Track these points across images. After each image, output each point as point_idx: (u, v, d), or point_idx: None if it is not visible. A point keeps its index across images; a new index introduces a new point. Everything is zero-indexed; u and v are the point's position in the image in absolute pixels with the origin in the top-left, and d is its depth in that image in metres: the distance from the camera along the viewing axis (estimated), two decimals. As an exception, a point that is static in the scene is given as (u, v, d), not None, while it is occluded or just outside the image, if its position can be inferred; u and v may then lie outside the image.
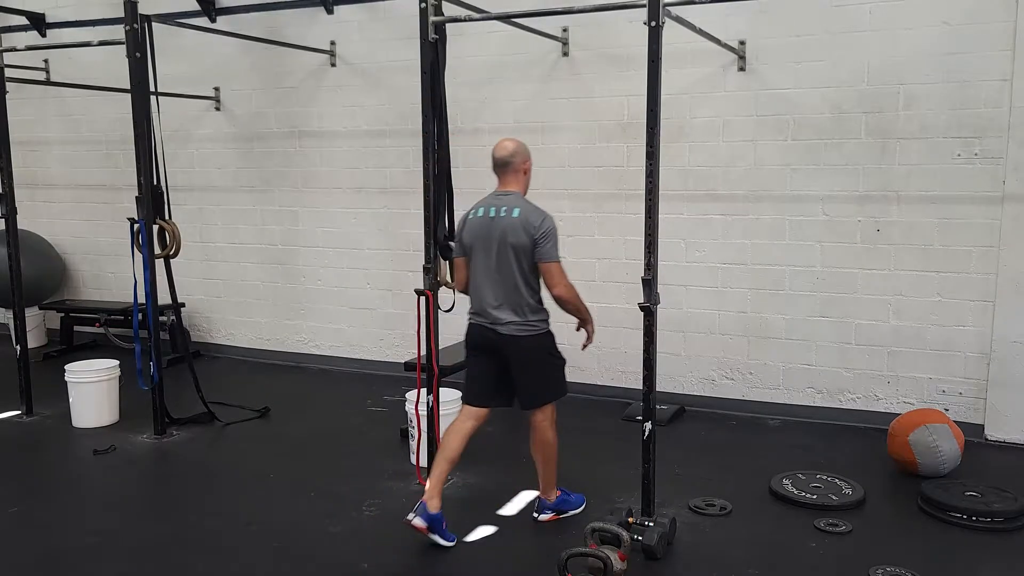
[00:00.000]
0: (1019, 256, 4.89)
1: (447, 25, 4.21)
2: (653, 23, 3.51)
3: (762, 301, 5.56)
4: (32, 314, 7.46)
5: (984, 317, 5.04)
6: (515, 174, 3.88)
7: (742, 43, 5.35)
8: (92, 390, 5.44)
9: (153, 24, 4.99)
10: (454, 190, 4.43)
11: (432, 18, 4.13)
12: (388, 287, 6.72)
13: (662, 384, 5.06)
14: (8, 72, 5.50)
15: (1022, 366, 4.94)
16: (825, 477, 4.42)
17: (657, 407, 3.88)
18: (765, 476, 4.44)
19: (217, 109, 7.12)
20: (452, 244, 4.24)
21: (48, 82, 7.50)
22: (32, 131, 7.83)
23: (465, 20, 4.36)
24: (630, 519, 3.65)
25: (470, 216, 3.92)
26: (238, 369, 7.09)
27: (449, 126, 4.35)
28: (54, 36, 7.53)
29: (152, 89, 5.11)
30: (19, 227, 5.71)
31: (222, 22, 6.82)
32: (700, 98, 5.53)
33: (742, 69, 5.39)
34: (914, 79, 5.01)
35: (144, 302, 5.10)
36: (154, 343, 5.14)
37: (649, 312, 3.64)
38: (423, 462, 4.46)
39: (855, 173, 5.23)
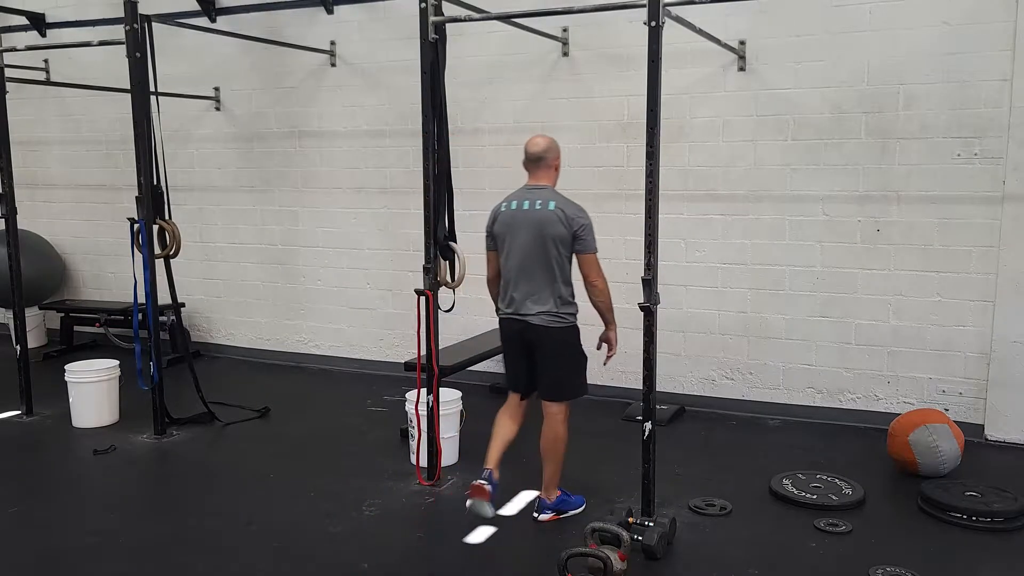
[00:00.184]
0: (1019, 256, 4.89)
1: (447, 25, 4.21)
2: (653, 23, 3.51)
3: (762, 301, 5.56)
4: (32, 314, 7.46)
5: (984, 317, 5.04)
6: (547, 169, 3.98)
7: (742, 43, 5.35)
8: (92, 390, 5.44)
9: (153, 24, 4.99)
10: (454, 190, 4.43)
11: (432, 18, 4.13)
12: (388, 287, 6.73)
13: (662, 384, 5.06)
14: (8, 72, 5.50)
15: (1022, 366, 4.94)
16: (825, 477, 4.43)
17: (657, 407, 3.88)
18: (765, 476, 4.44)
19: (217, 109, 7.13)
20: (449, 244, 4.28)
21: (48, 82, 7.50)
22: (32, 131, 7.84)
23: (465, 20, 4.37)
24: (630, 519, 3.65)
25: (502, 209, 3.98)
26: (238, 369, 7.09)
27: (449, 126, 4.35)
28: (54, 36, 7.53)
29: (152, 89, 5.11)
30: (19, 227, 5.71)
31: (222, 22, 6.83)
32: (700, 98, 5.53)
33: (742, 69, 5.39)
34: (914, 79, 5.02)
35: (144, 302, 5.10)
36: (154, 343, 5.14)
37: (649, 312, 3.64)
38: (423, 462, 4.46)
39: (855, 173, 5.23)
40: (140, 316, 5.20)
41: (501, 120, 6.12)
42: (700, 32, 4.52)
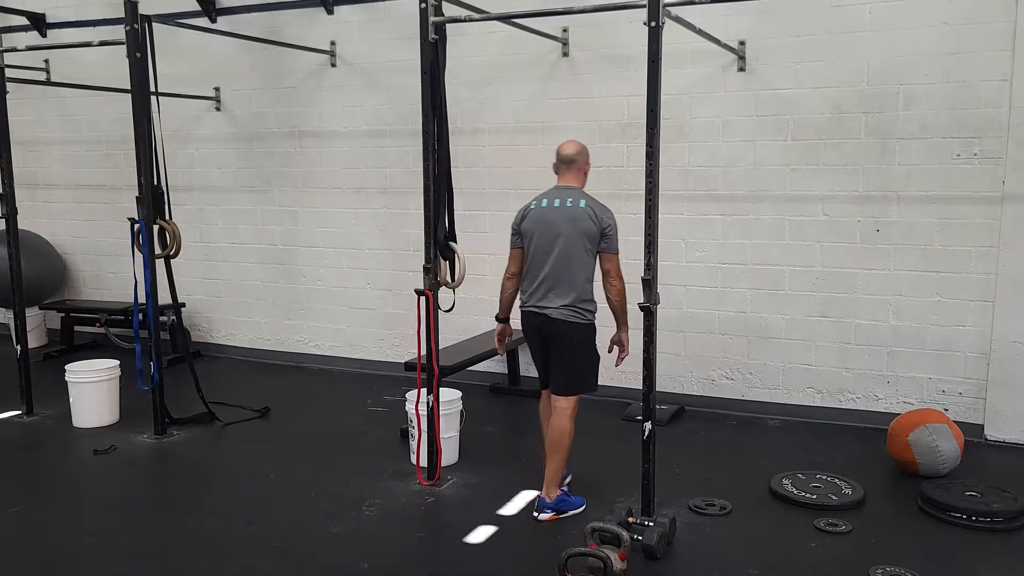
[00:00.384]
0: (1019, 256, 4.89)
1: (447, 25, 4.21)
2: (653, 23, 3.51)
3: (762, 301, 5.56)
4: (32, 314, 7.47)
5: (984, 317, 5.04)
6: (577, 172, 4.12)
7: (742, 43, 5.36)
8: (92, 390, 5.44)
9: (153, 24, 4.99)
10: (454, 190, 4.43)
11: (432, 18, 4.13)
12: (388, 287, 6.73)
13: (662, 384, 5.07)
14: (8, 72, 5.50)
15: (1022, 366, 4.95)
16: (825, 477, 4.43)
17: (657, 407, 3.88)
18: (765, 476, 4.44)
19: (217, 109, 7.13)
20: (449, 244, 4.31)
21: (48, 82, 7.50)
22: (32, 131, 7.84)
23: (465, 20, 4.36)
24: (630, 519, 3.66)
25: (531, 206, 4.13)
26: (238, 369, 7.09)
27: (449, 126, 4.35)
28: (54, 36, 7.53)
29: (152, 89, 5.11)
30: (19, 227, 5.70)
31: (222, 22, 6.83)
32: (700, 98, 5.53)
33: (742, 69, 5.40)
34: (914, 79, 5.02)
35: (144, 302, 5.10)
36: (154, 343, 5.14)
37: (649, 312, 3.64)
38: (423, 462, 4.46)
39: (855, 173, 5.23)
40: (140, 316, 5.20)
41: (501, 120, 6.13)
42: (700, 32, 4.52)
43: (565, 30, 5.79)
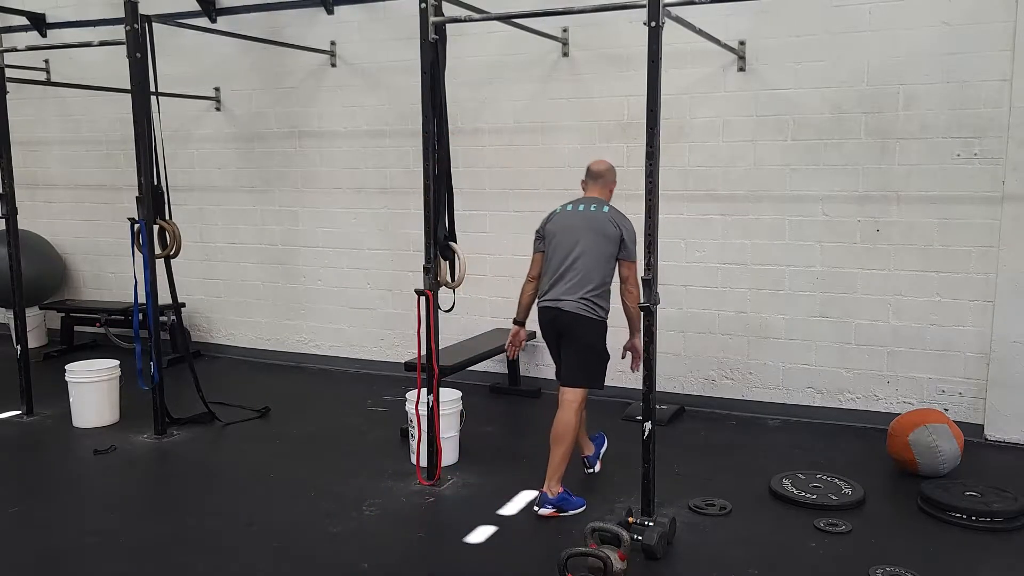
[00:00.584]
0: (1019, 256, 4.89)
1: (447, 25, 4.21)
2: (653, 23, 3.51)
3: (762, 301, 5.56)
4: (32, 314, 7.46)
5: (984, 317, 5.04)
6: (603, 188, 4.30)
7: (742, 43, 5.36)
8: (92, 390, 5.44)
9: (153, 24, 4.99)
10: (454, 190, 4.43)
11: (432, 18, 4.13)
12: (388, 287, 6.73)
13: (662, 384, 5.07)
14: (8, 72, 5.50)
15: (1022, 366, 4.95)
16: (825, 477, 4.43)
17: (657, 407, 3.88)
18: (765, 476, 4.44)
19: (217, 109, 7.13)
20: (449, 244, 4.32)
21: (48, 82, 7.51)
22: (32, 131, 7.84)
23: (465, 20, 4.36)
24: (630, 519, 3.66)
25: (557, 211, 4.30)
26: (238, 369, 7.09)
27: (449, 126, 4.34)
28: (54, 36, 7.53)
29: (152, 89, 5.11)
30: (19, 227, 5.70)
31: (222, 22, 6.83)
32: (700, 98, 5.53)
33: (742, 69, 5.40)
34: (914, 79, 5.02)
35: (144, 302, 5.10)
36: (154, 343, 5.14)
37: (649, 312, 3.64)
38: (423, 462, 4.46)
39: (855, 173, 5.23)
40: (140, 316, 5.20)
41: (501, 120, 6.13)
42: (700, 32, 4.52)
43: (565, 30, 5.79)
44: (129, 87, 4.99)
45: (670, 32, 3.68)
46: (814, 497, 4.17)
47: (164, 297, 5.43)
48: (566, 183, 5.94)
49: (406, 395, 4.79)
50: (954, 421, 4.65)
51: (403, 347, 6.62)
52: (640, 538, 3.55)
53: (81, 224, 7.92)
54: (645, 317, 3.66)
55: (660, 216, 3.64)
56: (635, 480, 3.81)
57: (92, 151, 7.72)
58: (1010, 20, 4.77)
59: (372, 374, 6.73)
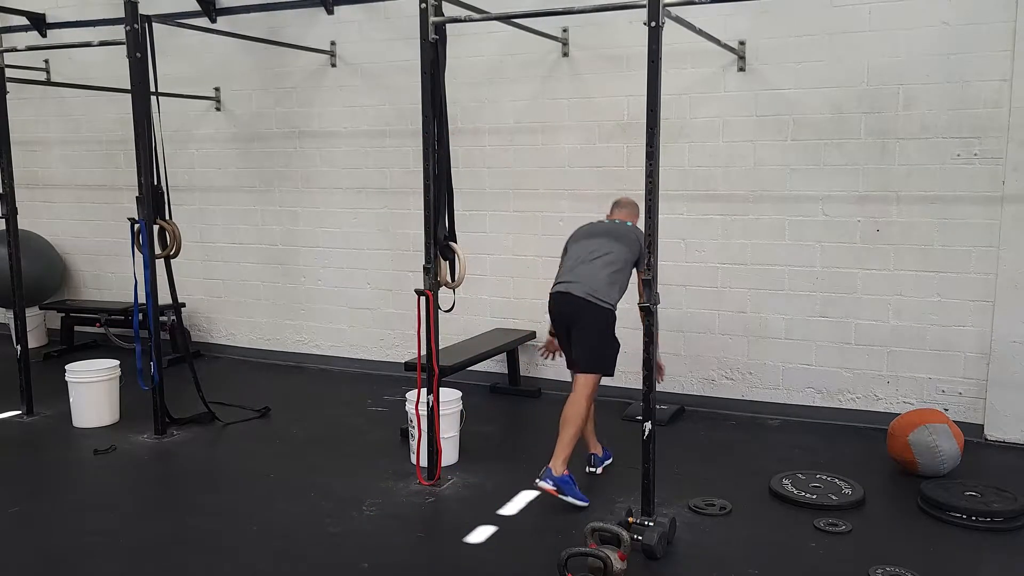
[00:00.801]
0: (1019, 256, 4.89)
1: (447, 25, 4.21)
2: (653, 23, 3.51)
3: (762, 301, 5.56)
4: (32, 314, 7.47)
5: (984, 317, 5.04)
6: (629, 214, 4.57)
7: (742, 43, 5.36)
8: (92, 390, 5.44)
9: (153, 24, 4.99)
10: (454, 190, 4.42)
11: (432, 18, 4.13)
12: (388, 287, 6.73)
13: (662, 384, 5.06)
14: (8, 72, 5.50)
15: (1022, 366, 4.95)
16: (825, 477, 4.43)
17: (657, 407, 3.88)
18: (765, 476, 4.44)
19: (217, 109, 7.13)
20: (449, 244, 4.34)
21: (48, 82, 7.51)
22: (32, 131, 7.84)
23: (465, 20, 4.36)
24: (630, 519, 3.65)
25: (584, 223, 4.58)
26: (238, 369, 7.09)
27: (449, 126, 4.34)
28: (54, 36, 7.53)
29: (152, 89, 5.11)
30: (20, 227, 5.70)
31: (222, 22, 6.83)
32: (700, 98, 5.53)
33: (742, 69, 5.40)
34: (914, 79, 5.02)
35: (144, 302, 5.10)
36: (154, 343, 5.13)
37: (649, 312, 3.64)
38: (423, 462, 4.46)
39: (855, 173, 5.23)
40: (140, 316, 5.20)
41: (501, 120, 6.13)
42: (700, 32, 4.52)
43: (565, 30, 5.79)
44: (129, 87, 4.99)
45: (670, 32, 3.68)
46: (814, 497, 4.17)
47: (164, 297, 5.43)
48: (566, 183, 5.97)
49: (406, 395, 4.79)
50: (954, 421, 4.65)
51: (403, 347, 6.62)
52: (640, 538, 3.55)
53: (81, 224, 7.92)
54: (645, 317, 3.66)
55: (660, 216, 3.64)
56: (635, 480, 3.81)
57: (92, 151, 7.72)
58: (1010, 20, 4.77)
59: (372, 374, 6.73)
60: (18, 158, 6.02)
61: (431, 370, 4.32)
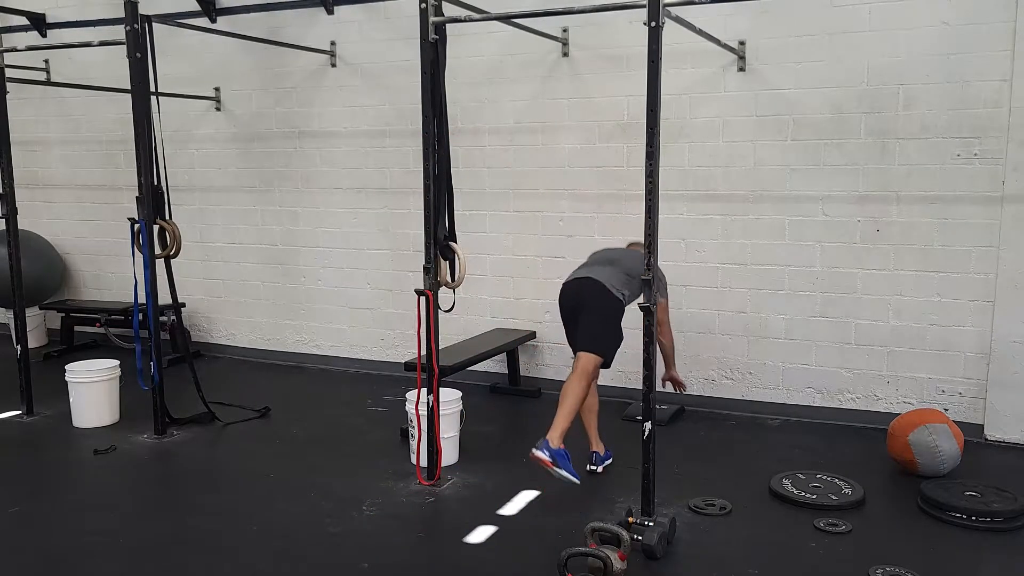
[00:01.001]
0: (1019, 256, 4.89)
1: (447, 25, 4.21)
2: (653, 23, 3.51)
3: (762, 301, 5.56)
4: (32, 314, 7.46)
5: (984, 317, 5.04)
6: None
7: (742, 43, 5.36)
8: (92, 390, 5.44)
9: (153, 24, 4.99)
10: (454, 190, 4.42)
11: (432, 18, 4.13)
12: (388, 287, 6.73)
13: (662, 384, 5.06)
14: (8, 72, 5.49)
15: (1022, 366, 4.95)
16: (825, 477, 4.43)
17: (657, 407, 3.88)
18: (765, 476, 4.44)
19: (217, 109, 7.13)
20: (449, 244, 4.34)
21: (48, 82, 7.50)
22: (32, 131, 7.84)
23: (465, 20, 4.36)
24: (630, 519, 3.65)
25: (601, 248, 4.88)
26: (238, 369, 7.09)
27: (449, 126, 4.34)
28: (54, 36, 7.53)
29: (152, 89, 5.11)
30: (20, 227, 5.70)
31: (222, 22, 6.83)
32: (700, 98, 5.53)
33: (742, 69, 5.40)
34: (914, 79, 5.02)
35: (144, 302, 5.10)
36: (154, 343, 5.13)
37: (649, 312, 3.64)
38: (423, 462, 4.46)
39: (855, 173, 5.23)
40: (140, 316, 5.20)
41: (501, 120, 6.13)
42: (700, 32, 4.52)
43: (565, 30, 5.79)
44: (129, 87, 4.99)
45: (670, 32, 3.68)
46: (814, 497, 4.17)
47: (164, 297, 5.43)
48: (566, 183, 5.97)
49: (406, 395, 4.79)
50: (954, 421, 4.65)
51: (403, 347, 6.62)
52: (640, 538, 3.55)
53: (81, 224, 7.92)
54: (645, 317, 3.66)
55: (660, 216, 3.64)
56: (635, 480, 3.81)
57: (92, 151, 7.72)
58: (1010, 20, 4.77)
59: (372, 374, 6.73)
60: (18, 158, 6.02)
61: (431, 370, 4.32)
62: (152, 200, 5.10)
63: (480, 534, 3.87)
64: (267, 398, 5.97)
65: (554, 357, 6.16)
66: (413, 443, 4.59)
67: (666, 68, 3.65)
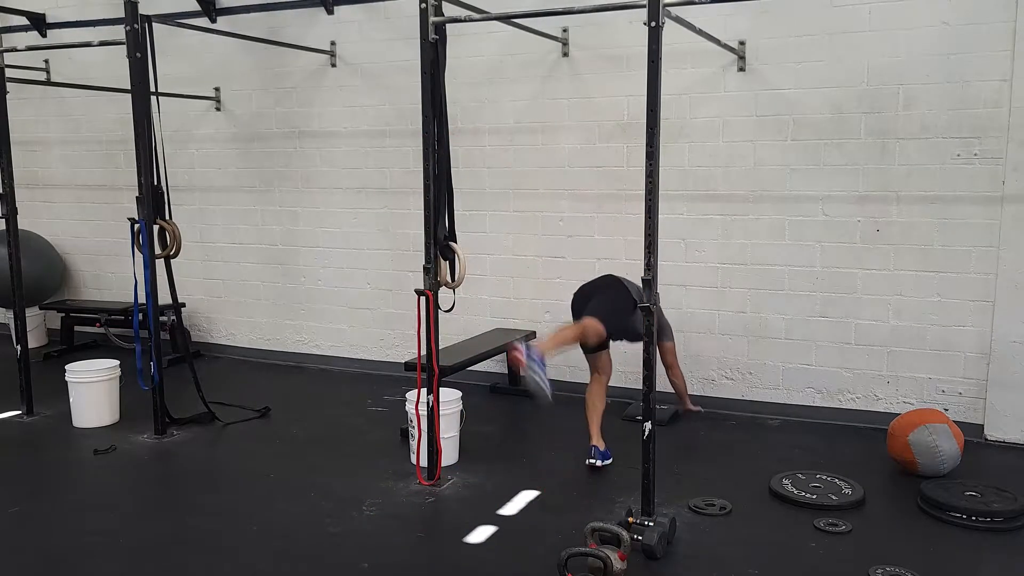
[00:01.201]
0: (1019, 256, 4.89)
1: (447, 25, 4.21)
2: (653, 23, 3.51)
3: (762, 301, 5.56)
4: (32, 314, 7.47)
5: (984, 317, 5.04)
6: None
7: (742, 43, 5.36)
8: (92, 390, 5.44)
9: (153, 24, 4.99)
10: (454, 190, 4.42)
11: (432, 18, 4.13)
12: (388, 287, 6.73)
13: (662, 384, 5.06)
14: (8, 72, 5.49)
15: (1022, 366, 4.95)
16: (825, 477, 4.43)
17: (657, 407, 3.88)
18: (765, 476, 4.44)
19: (217, 109, 7.13)
20: (449, 244, 4.35)
21: (48, 82, 7.50)
22: (32, 131, 7.84)
23: (465, 20, 4.36)
24: (630, 519, 3.65)
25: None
26: (238, 369, 7.09)
27: (449, 126, 4.34)
28: (54, 36, 7.53)
29: (152, 89, 5.11)
30: (20, 227, 5.70)
31: (222, 22, 6.83)
32: (700, 98, 5.53)
33: (742, 69, 5.40)
34: (914, 79, 5.02)
35: (144, 302, 5.10)
36: (154, 343, 5.13)
37: (649, 312, 3.64)
38: (423, 462, 4.46)
39: (855, 173, 5.23)
40: (140, 316, 5.20)
41: (501, 120, 6.13)
42: (700, 32, 4.52)
43: (565, 30, 5.79)
44: (129, 87, 4.99)
45: (670, 32, 3.68)
46: (814, 497, 4.17)
47: (164, 297, 5.43)
48: (566, 183, 5.97)
49: (406, 395, 4.79)
50: (954, 421, 4.64)
51: (403, 347, 6.62)
52: (640, 538, 3.55)
53: (81, 224, 7.92)
54: (645, 317, 3.66)
55: (660, 216, 3.64)
56: (635, 480, 3.81)
57: (92, 151, 7.72)
58: (1010, 20, 4.77)
59: (372, 374, 6.73)
60: (18, 158, 6.02)
61: (431, 370, 4.32)
62: (152, 200, 5.10)
63: (480, 534, 3.87)
64: (267, 398, 5.97)
65: (554, 357, 6.14)
66: (413, 443, 4.59)
67: (666, 68, 3.65)
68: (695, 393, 5.79)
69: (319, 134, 6.79)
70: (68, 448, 5.14)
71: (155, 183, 5.12)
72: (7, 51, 5.52)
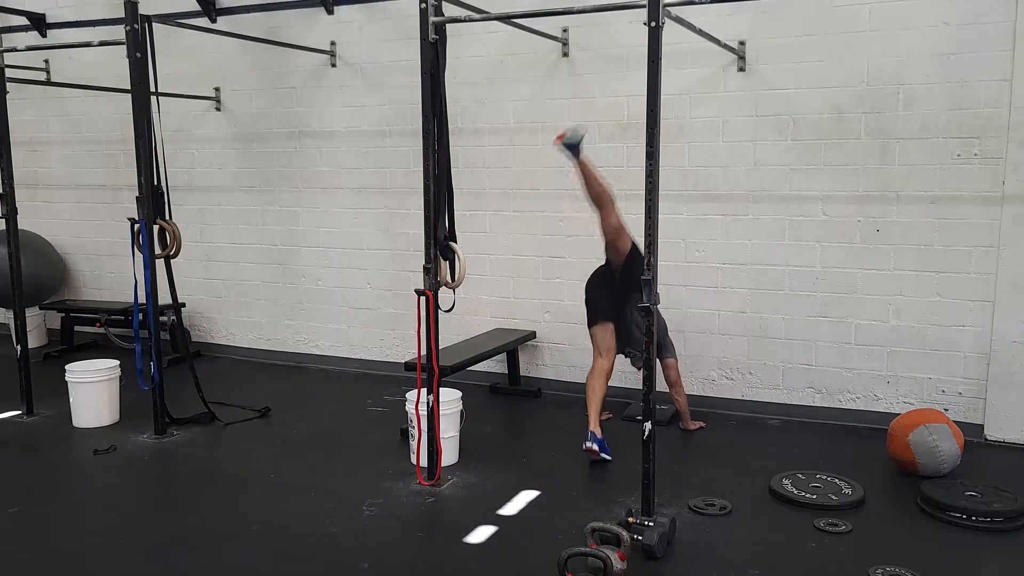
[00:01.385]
0: (1019, 256, 4.89)
1: (447, 25, 4.21)
2: (653, 23, 3.51)
3: (762, 301, 5.56)
4: (32, 314, 7.47)
5: (984, 317, 5.04)
6: None
7: (742, 43, 5.36)
8: (92, 390, 5.44)
9: (153, 24, 4.99)
10: (454, 190, 4.42)
11: (432, 18, 4.13)
12: (388, 287, 6.73)
13: (662, 384, 5.07)
14: (8, 72, 5.50)
15: (1022, 366, 4.95)
16: (825, 477, 4.43)
17: (657, 407, 3.89)
18: (765, 476, 4.44)
19: (217, 109, 7.13)
20: (449, 245, 4.35)
21: (48, 82, 7.50)
22: (32, 131, 7.84)
23: (465, 20, 4.36)
24: (630, 519, 3.65)
25: None
26: (238, 369, 7.09)
27: (449, 126, 4.34)
28: (54, 36, 7.53)
29: (152, 89, 5.11)
30: (19, 227, 5.70)
31: (222, 22, 6.83)
32: (700, 98, 5.53)
33: (742, 69, 5.40)
34: (914, 79, 5.02)
35: (144, 302, 5.10)
36: (154, 343, 5.13)
37: (649, 312, 3.64)
38: (423, 462, 4.46)
39: (855, 173, 5.23)
40: (140, 316, 5.20)
41: (501, 120, 6.13)
42: (700, 32, 4.52)
43: (565, 30, 5.79)
44: (129, 87, 4.99)
45: (670, 32, 3.68)
46: (814, 497, 4.17)
47: (164, 297, 5.43)
48: (566, 183, 5.96)
49: (406, 395, 4.79)
50: (954, 421, 4.65)
51: (403, 347, 6.62)
52: (640, 538, 3.55)
53: (81, 224, 7.92)
54: (645, 317, 3.66)
55: (660, 216, 3.64)
56: (635, 480, 3.81)
57: (92, 151, 7.72)
58: (1010, 20, 4.77)
59: (372, 374, 6.73)
60: (18, 158, 6.03)
61: (431, 370, 4.32)
62: (152, 200, 5.10)
63: (480, 534, 3.87)
64: (267, 398, 5.97)
65: (554, 357, 6.16)
66: (413, 443, 4.59)
67: (666, 68, 3.65)
68: (695, 393, 5.79)
69: (319, 134, 6.79)
70: (68, 448, 5.14)
71: (155, 183, 5.12)
72: (7, 51, 5.52)
